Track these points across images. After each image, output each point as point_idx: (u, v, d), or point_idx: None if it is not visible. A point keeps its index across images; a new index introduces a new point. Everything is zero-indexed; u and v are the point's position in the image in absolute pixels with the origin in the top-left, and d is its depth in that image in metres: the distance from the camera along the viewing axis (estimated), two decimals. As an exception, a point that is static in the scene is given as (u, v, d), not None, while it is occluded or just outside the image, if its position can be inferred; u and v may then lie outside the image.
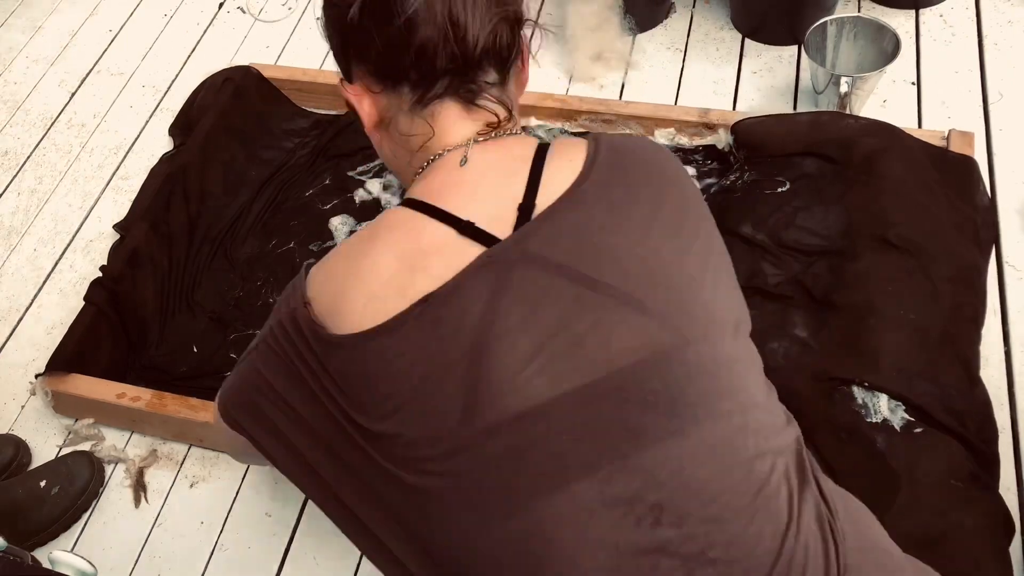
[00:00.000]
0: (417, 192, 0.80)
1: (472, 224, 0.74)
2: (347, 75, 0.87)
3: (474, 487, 0.69)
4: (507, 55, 0.82)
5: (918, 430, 1.25)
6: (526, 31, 0.85)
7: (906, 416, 1.26)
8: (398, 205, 0.80)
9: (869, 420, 1.24)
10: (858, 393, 1.27)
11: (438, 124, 0.82)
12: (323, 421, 0.75)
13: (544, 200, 0.75)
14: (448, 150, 0.81)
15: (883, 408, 1.25)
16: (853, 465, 1.21)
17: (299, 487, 0.81)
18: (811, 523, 0.72)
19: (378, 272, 0.74)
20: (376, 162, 1.81)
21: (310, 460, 0.78)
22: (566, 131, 1.78)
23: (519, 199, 0.75)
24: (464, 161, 0.79)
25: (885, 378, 1.26)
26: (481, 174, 0.79)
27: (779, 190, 1.56)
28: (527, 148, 0.80)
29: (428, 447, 0.69)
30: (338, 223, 1.72)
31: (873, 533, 0.81)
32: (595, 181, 0.76)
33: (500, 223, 0.74)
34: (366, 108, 0.85)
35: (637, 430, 0.68)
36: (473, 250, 0.73)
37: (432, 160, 0.82)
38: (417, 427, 0.70)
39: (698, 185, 1.64)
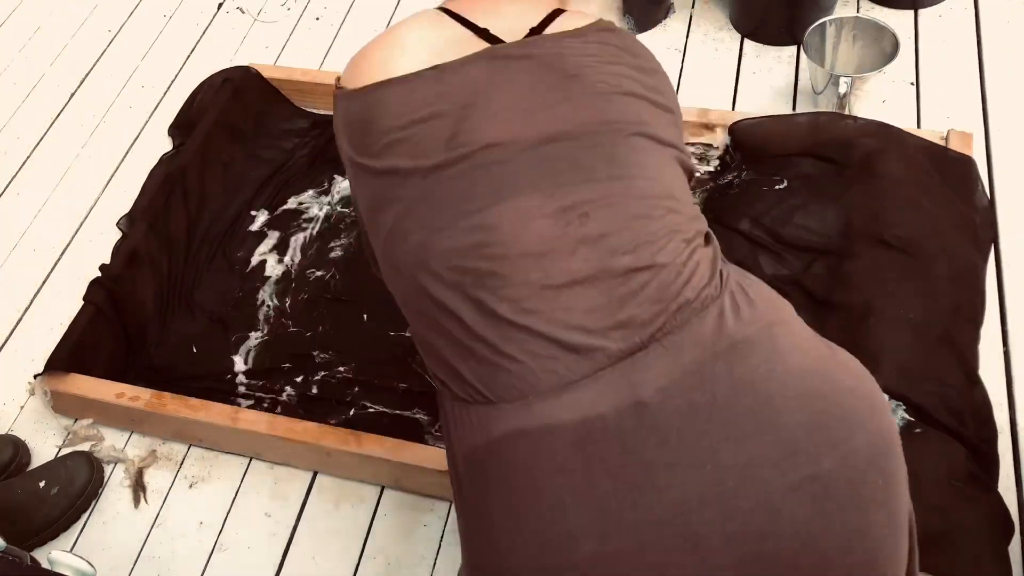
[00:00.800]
0: (446, 4, 0.94)
1: (487, 30, 0.90)
2: None
3: (444, 195, 0.83)
4: None
5: (918, 430, 1.25)
6: None
7: (906, 416, 1.26)
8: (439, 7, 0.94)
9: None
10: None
11: None
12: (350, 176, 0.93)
13: (552, 30, 0.90)
14: None
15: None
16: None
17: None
18: (707, 250, 0.85)
19: (400, 44, 0.90)
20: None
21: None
22: None
23: (533, 25, 0.91)
24: None
25: (885, 378, 1.26)
26: (508, 2, 0.93)
27: (776, 187, 1.56)
28: (551, 3, 0.94)
29: (413, 170, 0.85)
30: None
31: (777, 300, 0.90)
32: (596, 28, 0.91)
33: (512, 37, 0.89)
34: None
35: (583, 169, 0.83)
36: (484, 46, 0.89)
37: None
38: (408, 157, 0.84)
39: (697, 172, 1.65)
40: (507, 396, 0.79)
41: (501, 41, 0.89)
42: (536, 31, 0.91)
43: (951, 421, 1.25)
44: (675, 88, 1.86)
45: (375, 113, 0.88)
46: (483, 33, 0.90)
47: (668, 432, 0.74)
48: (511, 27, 0.91)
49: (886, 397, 0.84)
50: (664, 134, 0.88)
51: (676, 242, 0.82)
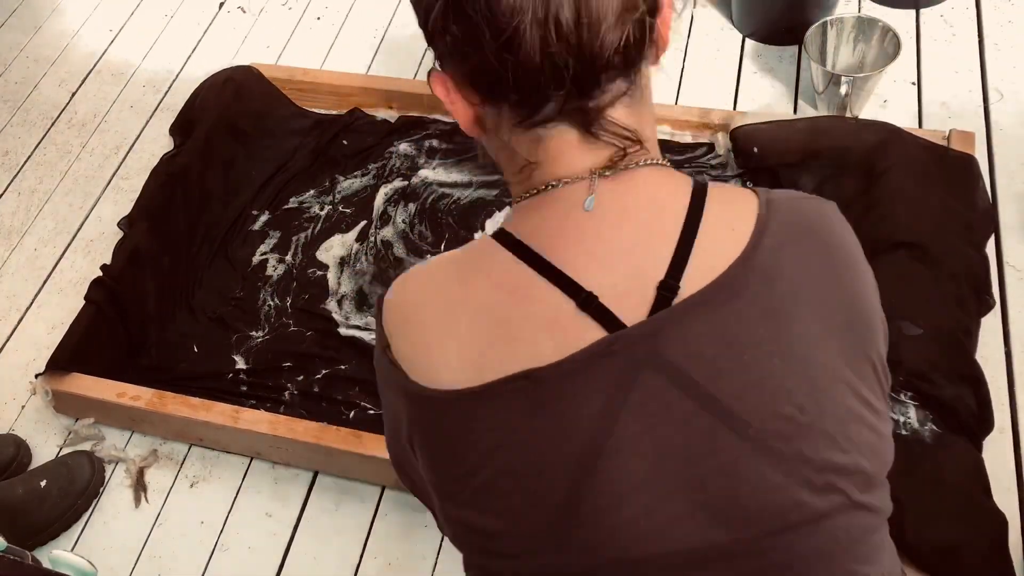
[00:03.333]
0: (526, 231, 0.62)
1: (595, 298, 0.58)
2: (439, 61, 0.65)
3: None
4: (636, 55, 0.59)
5: (927, 430, 1.25)
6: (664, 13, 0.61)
7: (917, 415, 1.26)
8: (497, 235, 0.63)
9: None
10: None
11: (547, 152, 0.62)
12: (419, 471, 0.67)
13: (693, 281, 0.58)
14: (564, 182, 0.62)
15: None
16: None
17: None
18: None
19: (470, 326, 0.61)
20: (375, 164, 1.81)
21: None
22: None
23: (660, 275, 0.58)
24: (591, 204, 0.60)
25: (894, 377, 1.26)
26: (613, 226, 0.60)
27: None
28: (677, 192, 0.62)
29: (510, 541, 0.61)
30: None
31: None
32: (761, 266, 0.59)
33: (631, 301, 0.58)
34: (460, 111, 0.64)
35: None
36: (591, 332, 0.58)
37: (545, 189, 0.63)
38: (501, 519, 0.61)
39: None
40: None
41: (618, 323, 0.58)
42: (666, 287, 0.58)
43: (952, 421, 1.25)
44: (675, 88, 1.86)
45: (462, 429, 0.61)
46: (589, 303, 0.58)
47: None
48: (630, 278, 0.59)
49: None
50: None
51: None
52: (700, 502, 0.58)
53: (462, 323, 0.61)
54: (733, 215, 0.61)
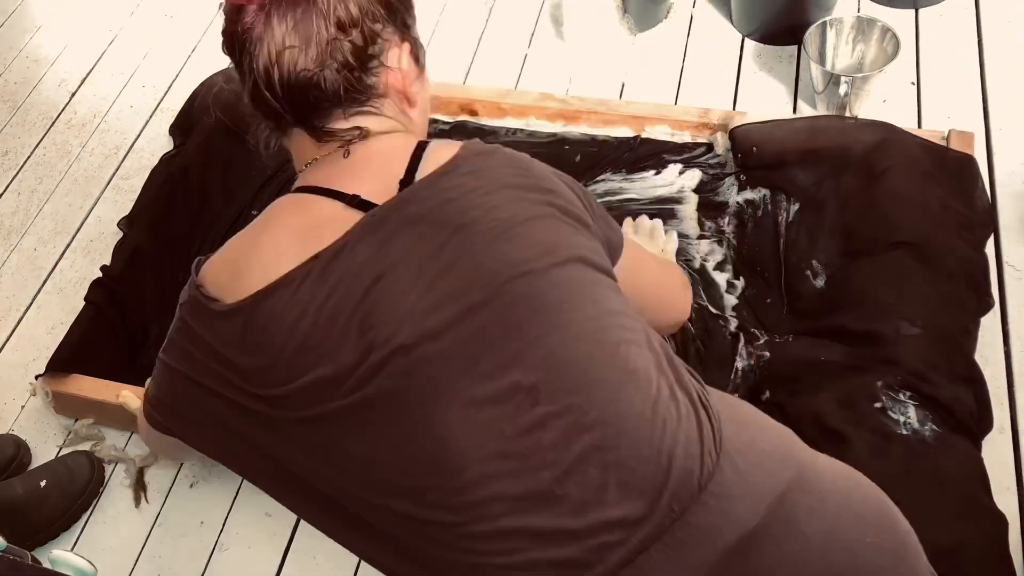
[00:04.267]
0: (305, 181, 0.86)
1: (358, 196, 0.80)
2: None
3: (373, 416, 0.74)
4: (348, 99, 0.85)
5: (928, 430, 1.25)
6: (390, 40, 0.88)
7: (917, 414, 1.26)
8: (283, 193, 0.87)
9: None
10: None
11: (295, 147, 0.89)
12: (225, 410, 0.81)
13: (422, 172, 0.81)
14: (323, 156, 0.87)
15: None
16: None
17: (234, 471, 0.91)
18: (679, 391, 0.77)
19: (274, 245, 0.80)
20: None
21: (226, 448, 0.86)
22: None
23: (400, 175, 0.81)
24: (347, 154, 0.85)
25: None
26: (364, 160, 0.84)
27: (785, 218, 1.55)
28: (408, 144, 0.85)
29: (328, 388, 0.75)
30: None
31: (747, 410, 0.85)
32: (466, 158, 0.82)
33: (384, 195, 0.80)
34: None
35: (511, 328, 0.74)
36: (359, 217, 0.79)
37: (309, 163, 0.87)
38: (315, 372, 0.75)
39: (691, 178, 1.64)
40: None
41: (374, 205, 0.80)
42: (406, 181, 0.81)
43: (951, 420, 1.25)
44: (675, 88, 1.87)
45: (263, 328, 0.77)
46: (354, 200, 0.80)
47: None
48: (381, 185, 0.81)
49: (912, 534, 0.80)
50: (589, 254, 0.81)
51: (642, 384, 0.75)
52: (455, 287, 0.75)
53: (264, 247, 0.81)
54: (445, 151, 0.83)
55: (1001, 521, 1.18)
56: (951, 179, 1.52)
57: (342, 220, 0.79)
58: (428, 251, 0.76)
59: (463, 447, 0.73)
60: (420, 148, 0.84)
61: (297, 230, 0.80)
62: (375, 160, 0.84)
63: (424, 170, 0.81)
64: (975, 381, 1.30)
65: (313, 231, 0.79)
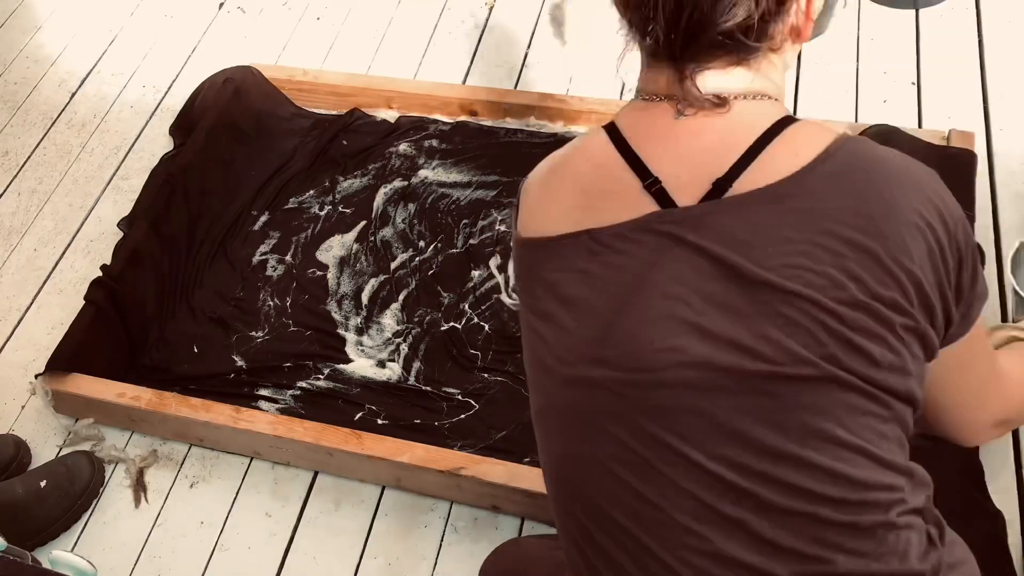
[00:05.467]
0: (625, 123, 0.77)
1: (658, 182, 0.72)
2: None
3: (588, 420, 0.73)
4: (750, 34, 0.70)
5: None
6: None
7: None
8: (607, 124, 0.78)
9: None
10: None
11: (649, 74, 0.76)
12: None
13: (745, 184, 0.69)
14: (662, 98, 0.75)
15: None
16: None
17: None
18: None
19: (558, 193, 0.78)
20: (375, 164, 1.81)
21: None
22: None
23: (719, 174, 0.70)
24: (679, 115, 0.73)
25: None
26: (692, 133, 0.73)
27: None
28: (762, 118, 0.72)
29: (559, 351, 0.75)
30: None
31: None
32: (810, 188, 0.68)
33: (687, 190, 0.71)
34: None
35: (739, 435, 0.68)
36: (648, 208, 0.72)
37: (651, 99, 0.76)
38: (552, 346, 0.75)
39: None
40: None
41: (671, 202, 0.71)
42: (721, 184, 0.70)
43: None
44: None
45: (532, 268, 0.78)
46: (652, 186, 0.72)
47: None
48: (692, 174, 0.71)
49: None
50: (868, 366, 0.67)
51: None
52: (707, 337, 0.68)
53: (561, 189, 0.78)
54: (803, 143, 0.70)
55: (1000, 520, 1.18)
56: (951, 177, 1.52)
57: (630, 202, 0.72)
58: (704, 288, 0.69)
59: (663, 490, 0.70)
60: (771, 133, 0.71)
61: (584, 192, 0.76)
62: (705, 138, 0.72)
63: (752, 176, 0.69)
64: None
65: (596, 200, 0.75)
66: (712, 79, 0.72)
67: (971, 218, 1.49)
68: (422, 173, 1.78)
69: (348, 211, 1.74)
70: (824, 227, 0.67)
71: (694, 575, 0.70)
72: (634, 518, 0.71)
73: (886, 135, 1.56)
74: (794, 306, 0.66)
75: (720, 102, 0.72)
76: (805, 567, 0.67)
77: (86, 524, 1.41)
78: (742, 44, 0.71)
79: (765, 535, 0.67)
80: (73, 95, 2.11)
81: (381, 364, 1.51)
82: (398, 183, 1.77)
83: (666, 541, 0.70)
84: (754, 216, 0.68)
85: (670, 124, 0.73)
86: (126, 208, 1.80)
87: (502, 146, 1.78)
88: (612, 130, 0.77)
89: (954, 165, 1.54)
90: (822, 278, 0.66)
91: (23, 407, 1.57)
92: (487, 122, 1.83)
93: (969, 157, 1.54)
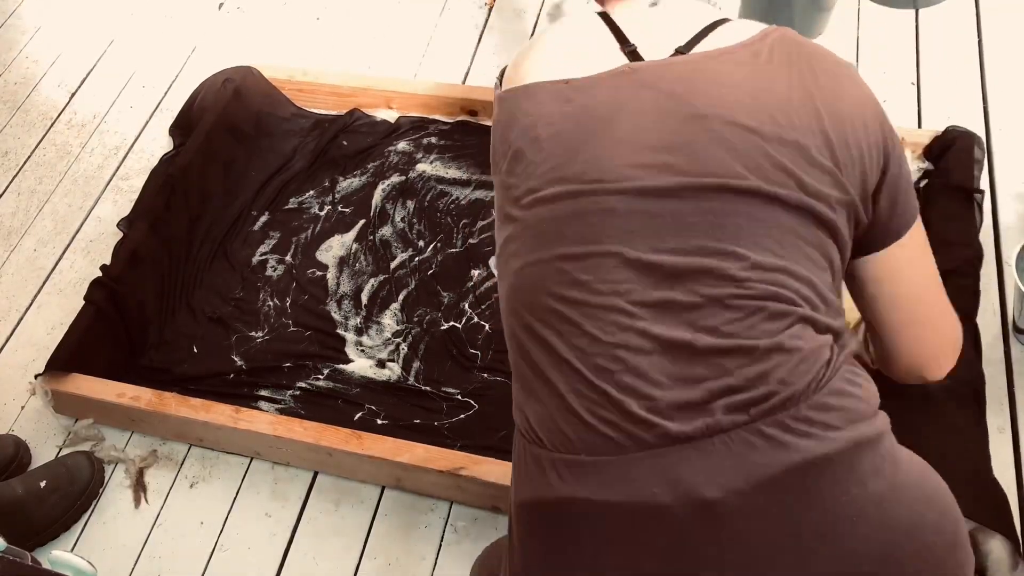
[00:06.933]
0: (610, 7, 0.92)
1: (634, 47, 0.86)
2: None
3: (544, 229, 0.81)
4: None
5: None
6: None
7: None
8: (598, 10, 0.93)
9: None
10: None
11: None
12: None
13: (704, 47, 0.84)
14: None
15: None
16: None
17: None
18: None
19: (544, 47, 0.90)
20: (375, 164, 1.81)
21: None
22: None
23: (680, 43, 0.85)
24: (655, 3, 0.90)
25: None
26: (661, 13, 0.89)
27: None
28: (711, 12, 0.88)
29: (523, 194, 0.83)
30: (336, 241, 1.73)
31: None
32: (755, 48, 0.82)
33: (657, 54, 0.85)
34: None
35: (685, 234, 0.77)
36: (623, 63, 0.85)
37: None
38: (522, 176, 0.83)
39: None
40: (561, 447, 0.77)
41: (641, 60, 0.85)
42: (683, 50, 0.85)
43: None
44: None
45: (508, 121, 0.87)
46: (628, 48, 0.86)
47: (729, 533, 0.71)
48: (660, 43, 0.86)
49: (965, 528, 0.79)
50: (798, 189, 0.77)
51: (779, 325, 0.75)
52: (667, 161, 0.78)
53: (547, 49, 0.90)
54: (746, 26, 0.85)
55: (1003, 498, 1.18)
56: (946, 170, 1.52)
57: (607, 59, 0.85)
58: (659, 122, 0.79)
59: (597, 283, 0.78)
60: (719, 23, 0.86)
61: (569, 47, 0.88)
62: (671, 16, 0.88)
63: (707, 44, 0.84)
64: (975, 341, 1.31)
65: (578, 58, 0.86)
66: None
67: (981, 193, 1.49)
68: (420, 167, 1.77)
69: (347, 210, 1.74)
70: (768, 79, 0.80)
71: (620, 345, 0.76)
72: (572, 304, 0.78)
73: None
74: (737, 134, 0.78)
75: None
76: (722, 341, 0.74)
77: (86, 524, 1.42)
78: None
79: (690, 317, 0.75)
80: (73, 95, 2.11)
81: (381, 364, 1.51)
82: (396, 178, 1.77)
83: (599, 321, 0.77)
84: (707, 67, 0.82)
85: (644, 9, 0.90)
86: (126, 208, 1.80)
87: (502, 146, 1.78)
88: (598, 10, 0.92)
89: (952, 156, 1.54)
90: (763, 115, 0.78)
91: (23, 407, 1.57)
92: (487, 122, 1.84)
93: (968, 139, 1.54)
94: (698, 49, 0.84)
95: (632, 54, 0.85)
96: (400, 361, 1.51)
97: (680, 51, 0.84)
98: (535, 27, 2.05)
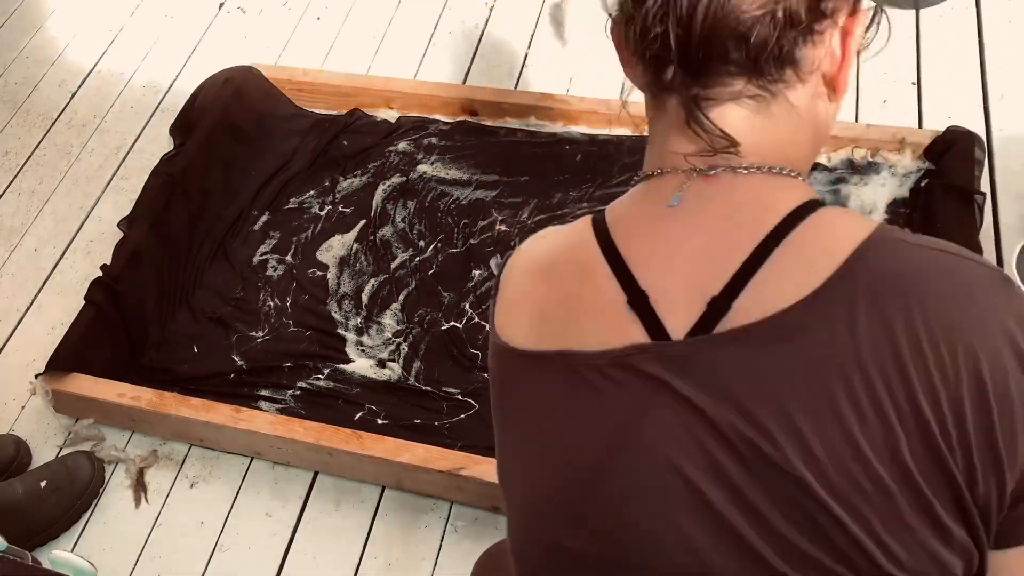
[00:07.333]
0: (615, 215, 0.65)
1: (645, 298, 0.59)
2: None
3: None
4: (766, 58, 0.57)
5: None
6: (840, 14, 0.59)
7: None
8: (596, 213, 0.67)
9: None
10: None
11: (658, 127, 0.63)
12: None
13: (746, 307, 0.56)
14: (664, 171, 0.62)
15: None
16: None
17: None
18: None
19: (538, 301, 0.66)
20: (375, 164, 1.81)
21: None
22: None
23: (715, 290, 0.57)
24: (676, 200, 0.60)
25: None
26: (687, 227, 0.60)
27: None
28: (774, 207, 0.58)
29: (533, 503, 0.65)
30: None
31: None
32: (824, 315, 0.53)
33: (679, 311, 0.58)
34: (626, 70, 0.65)
35: None
36: (634, 332, 0.59)
37: (651, 176, 0.63)
38: (527, 477, 0.65)
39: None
40: None
41: (661, 329, 0.58)
42: (719, 306, 0.56)
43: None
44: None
45: (506, 387, 0.68)
46: (638, 300, 0.59)
47: None
48: (684, 287, 0.58)
49: None
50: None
51: None
52: (705, 525, 0.56)
53: (539, 290, 0.66)
54: (820, 248, 0.55)
55: None
56: (946, 169, 1.52)
57: (614, 321, 0.60)
58: (685, 454, 0.56)
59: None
60: (783, 228, 0.56)
61: (563, 302, 0.63)
62: (701, 236, 0.59)
63: (756, 293, 0.55)
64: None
65: (577, 313, 0.62)
66: (721, 114, 0.59)
67: (982, 195, 1.49)
68: (421, 168, 1.77)
69: (348, 210, 1.74)
70: (844, 374, 0.52)
71: None
72: None
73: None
74: (801, 493, 0.53)
75: (731, 140, 0.58)
76: None
77: (86, 524, 1.41)
78: (759, 65, 0.57)
79: None
80: (73, 95, 2.11)
81: (381, 364, 1.51)
82: (396, 179, 1.77)
83: None
84: (754, 360, 0.54)
85: (662, 215, 0.60)
86: (126, 208, 1.80)
87: (502, 145, 1.78)
88: (599, 225, 0.64)
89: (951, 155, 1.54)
90: (834, 457, 0.52)
91: (23, 407, 1.57)
92: (487, 122, 1.83)
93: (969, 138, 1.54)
94: (744, 299, 0.55)
95: (643, 309, 0.59)
96: (400, 361, 1.51)
97: (714, 306, 0.56)
98: (535, 27, 2.05)
